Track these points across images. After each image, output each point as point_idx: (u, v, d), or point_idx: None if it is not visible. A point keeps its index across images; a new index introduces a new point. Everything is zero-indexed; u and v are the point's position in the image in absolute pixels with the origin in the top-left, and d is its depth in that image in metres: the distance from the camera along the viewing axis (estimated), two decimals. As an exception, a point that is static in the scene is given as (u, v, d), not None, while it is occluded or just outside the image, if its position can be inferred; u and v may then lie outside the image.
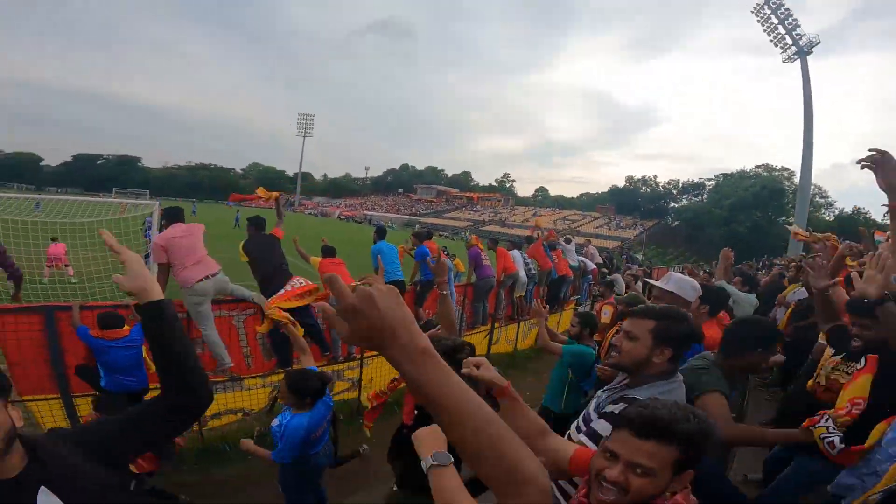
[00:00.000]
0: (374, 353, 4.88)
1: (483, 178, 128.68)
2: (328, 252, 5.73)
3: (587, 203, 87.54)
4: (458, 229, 60.53)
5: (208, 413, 4.05)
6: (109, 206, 11.85)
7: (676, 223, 66.96)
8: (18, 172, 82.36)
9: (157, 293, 1.11)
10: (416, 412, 2.26)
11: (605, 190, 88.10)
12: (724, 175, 64.68)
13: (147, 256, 10.54)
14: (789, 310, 4.77)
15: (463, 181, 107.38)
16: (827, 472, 2.02)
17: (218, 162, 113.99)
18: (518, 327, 8.04)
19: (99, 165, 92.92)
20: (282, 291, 4.55)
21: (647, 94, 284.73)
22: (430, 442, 1.09)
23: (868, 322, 1.98)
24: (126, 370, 3.54)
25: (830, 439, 1.83)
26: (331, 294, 0.72)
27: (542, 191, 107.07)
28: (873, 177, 2.04)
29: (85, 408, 3.36)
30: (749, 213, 50.86)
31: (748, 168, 62.12)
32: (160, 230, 4.58)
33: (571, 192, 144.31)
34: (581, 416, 1.75)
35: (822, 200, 56.88)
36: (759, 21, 42.77)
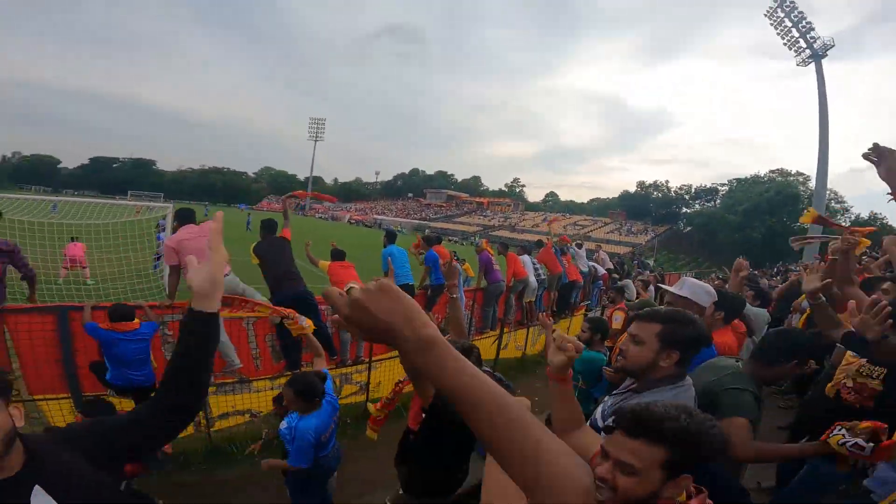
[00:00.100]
0: (382, 357, 4.86)
1: (493, 182, 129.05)
2: (338, 256, 5.75)
3: (598, 208, 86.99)
4: (468, 234, 60.52)
5: (216, 413, 4.07)
6: (124, 209, 12.02)
7: (688, 229, 66.20)
8: (37, 175, 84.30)
9: (216, 304, 1.08)
10: (422, 416, 2.23)
11: (616, 195, 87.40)
12: (738, 180, 63.85)
13: (158, 258, 10.73)
14: (804, 315, 4.67)
15: (473, 186, 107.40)
16: (840, 473, 1.97)
17: (231, 165, 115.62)
18: (527, 332, 7.98)
19: (115, 168, 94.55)
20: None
21: (659, 99, 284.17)
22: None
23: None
24: (133, 364, 3.56)
25: (853, 442, 1.78)
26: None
27: (552, 196, 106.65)
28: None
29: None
30: (763, 219, 50.02)
31: (762, 173, 61.34)
32: (173, 232, 4.62)
33: (582, 197, 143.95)
34: (587, 423, 1.72)
35: (838, 205, 55.73)
36: (772, 24, 42.13)
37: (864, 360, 2.27)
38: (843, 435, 1.80)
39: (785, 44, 41.92)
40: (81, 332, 3.48)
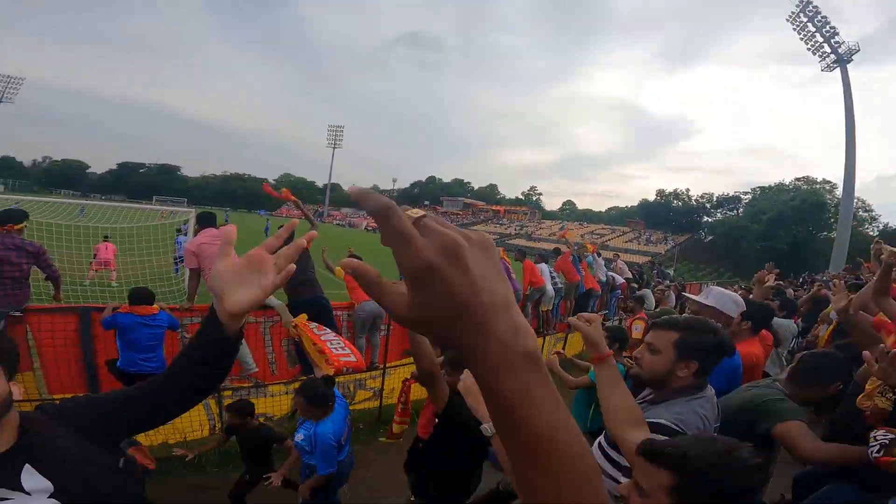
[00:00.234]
0: (396, 363, 4.80)
1: (510, 191, 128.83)
2: (354, 261, 5.77)
3: (616, 217, 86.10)
4: (484, 242, 60.24)
5: (231, 418, 4.08)
6: (149, 213, 12.32)
7: (710, 238, 64.93)
8: (67, 179, 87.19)
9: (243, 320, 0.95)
10: (435, 422, 2.19)
11: (635, 204, 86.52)
12: (762, 188, 62.56)
13: (178, 260, 10.94)
14: (831, 327, 4.56)
15: (489, 194, 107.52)
16: (861, 497, 1.94)
17: (251, 172, 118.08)
18: (543, 341, 7.86)
19: (142, 173, 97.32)
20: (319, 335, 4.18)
21: (680, 106, 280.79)
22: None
23: None
24: (147, 350, 3.60)
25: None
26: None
27: (569, 204, 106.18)
28: None
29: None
30: (788, 228, 48.78)
31: (787, 181, 60.01)
32: (195, 236, 4.71)
33: (600, 205, 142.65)
34: (603, 434, 1.66)
35: (866, 214, 54.05)
36: (795, 29, 41.29)
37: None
38: (874, 437, 1.71)
39: (808, 49, 41.11)
40: (103, 334, 3.54)
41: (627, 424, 1.34)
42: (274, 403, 4.34)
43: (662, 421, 1.41)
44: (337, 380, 4.92)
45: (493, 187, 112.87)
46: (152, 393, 1.04)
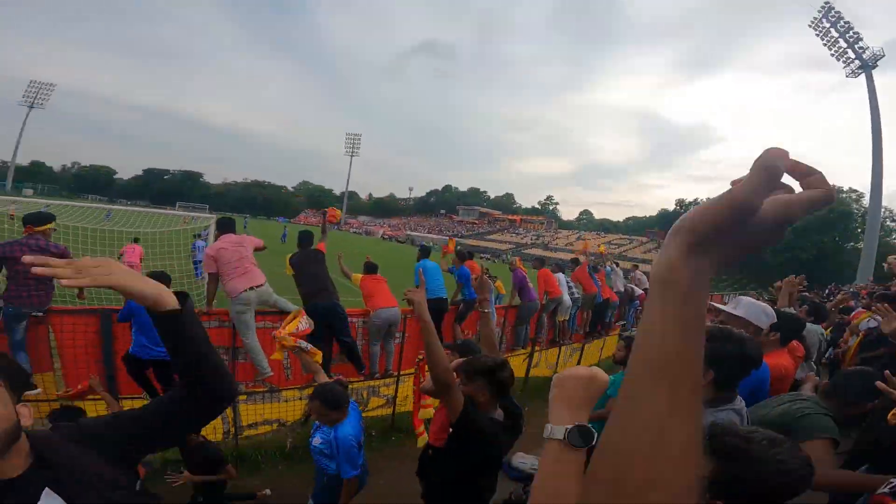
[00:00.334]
0: (410, 371, 4.77)
1: (526, 200, 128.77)
2: (370, 269, 5.76)
3: (634, 227, 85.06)
4: (500, 252, 60.19)
5: (244, 422, 4.10)
6: (172, 218, 12.61)
7: (731, 249, 63.54)
8: (95, 184, 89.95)
9: (165, 305, 1.00)
10: (448, 431, 2.14)
11: (654, 214, 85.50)
12: (786, 197, 61.08)
13: (197, 265, 11.12)
14: (858, 339, 4.43)
15: (505, 203, 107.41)
16: None
17: (271, 179, 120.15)
18: (559, 351, 7.75)
19: (166, 180, 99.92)
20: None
21: (700, 114, 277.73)
22: (578, 395, 0.87)
23: None
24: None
25: None
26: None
27: (586, 214, 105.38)
28: None
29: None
30: (814, 238, 47.45)
31: (812, 190, 58.51)
32: (215, 241, 4.78)
33: (617, 215, 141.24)
34: None
35: (894, 224, 52.35)
36: (817, 35, 40.37)
37: None
38: None
39: (832, 55, 40.03)
40: (123, 335, 3.59)
41: None
42: (287, 409, 4.34)
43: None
44: (351, 386, 4.93)
45: (509, 196, 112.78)
46: (165, 410, 1.04)
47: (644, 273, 12.49)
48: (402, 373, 5.11)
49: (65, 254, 4.20)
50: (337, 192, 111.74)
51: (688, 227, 0.44)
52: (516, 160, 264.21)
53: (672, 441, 0.41)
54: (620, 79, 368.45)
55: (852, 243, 47.33)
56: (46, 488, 0.86)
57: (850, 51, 38.66)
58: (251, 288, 4.25)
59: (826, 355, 4.98)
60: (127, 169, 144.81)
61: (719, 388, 1.49)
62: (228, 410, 3.99)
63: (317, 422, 2.67)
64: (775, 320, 2.43)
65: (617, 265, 10.96)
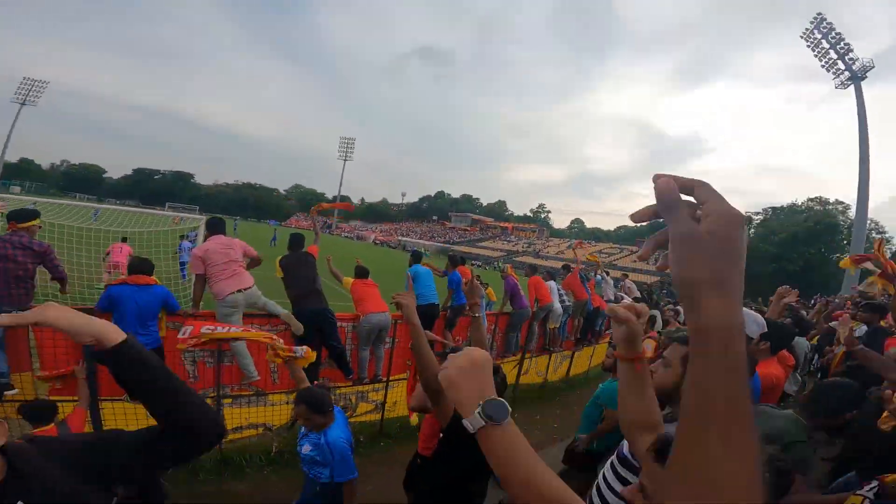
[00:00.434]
0: (400, 376, 4.75)
1: (518, 208, 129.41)
2: (361, 273, 5.71)
3: (625, 236, 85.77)
4: (491, 259, 60.31)
5: (229, 426, 4.02)
6: (160, 219, 12.45)
7: (720, 259, 64.26)
8: (84, 183, 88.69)
9: (108, 340, 0.95)
10: (438, 439, 2.11)
11: (644, 224, 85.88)
12: (774, 209, 61.97)
13: (183, 265, 10.99)
14: (843, 349, 4.47)
15: (498, 210, 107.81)
16: None
17: (264, 182, 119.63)
18: (549, 358, 7.76)
19: (156, 180, 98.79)
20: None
21: (692, 124, 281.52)
22: (471, 383, 0.83)
23: None
24: (137, 322, 3.57)
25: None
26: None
27: (577, 222, 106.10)
28: None
29: (108, 413, 3.34)
30: (801, 250, 48.11)
31: (799, 201, 59.34)
32: (204, 242, 4.72)
33: (608, 224, 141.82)
34: (615, 454, 1.60)
35: (879, 236, 53.26)
36: (809, 46, 40.40)
37: None
38: None
39: (823, 66, 40.08)
40: (104, 336, 3.50)
41: (647, 429, 1.27)
42: (274, 412, 4.27)
43: (671, 434, 1.35)
44: (339, 391, 4.88)
45: (501, 204, 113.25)
46: (145, 438, 1.01)
47: (633, 282, 12.57)
48: (391, 378, 5.07)
49: (47, 251, 4.12)
50: (329, 195, 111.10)
51: (708, 278, 0.48)
52: (510, 167, 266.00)
53: (730, 485, 0.44)
54: (617, 88, 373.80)
55: (838, 254, 48.02)
56: (19, 502, 0.84)
57: (840, 62, 38.78)
58: (239, 290, 4.19)
59: (813, 363, 5.03)
60: (117, 168, 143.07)
61: None
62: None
63: (303, 429, 2.61)
64: (765, 329, 2.44)
65: (607, 273, 11.02)
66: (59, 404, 2.86)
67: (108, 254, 9.43)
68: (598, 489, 1.55)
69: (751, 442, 0.45)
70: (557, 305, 7.79)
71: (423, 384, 1.94)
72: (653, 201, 0.55)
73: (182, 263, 11.38)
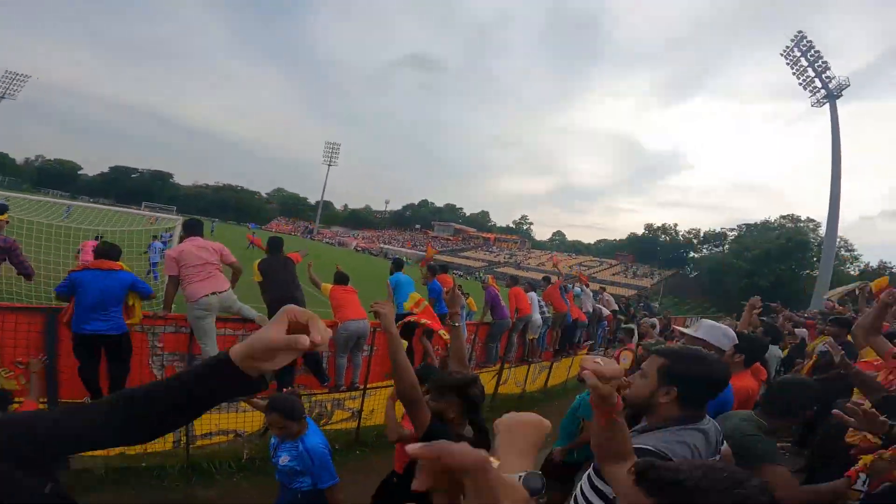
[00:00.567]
0: (377, 384, 4.71)
1: (501, 218, 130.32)
2: (341, 279, 5.63)
3: (605, 250, 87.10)
4: (473, 269, 60.44)
5: (198, 432, 3.90)
6: (135, 218, 12.10)
7: (695, 273, 65.83)
8: (58, 178, 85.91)
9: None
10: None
11: (624, 237, 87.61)
12: (748, 225, 63.85)
13: (153, 266, 10.71)
14: (810, 362, 4.60)
15: (481, 221, 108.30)
16: None
17: (245, 184, 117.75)
18: (528, 369, 7.78)
19: (134, 179, 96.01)
20: None
21: (672, 140, 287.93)
22: (521, 446, 0.82)
23: None
24: (97, 306, 3.45)
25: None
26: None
27: (559, 235, 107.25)
28: None
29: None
30: (772, 266, 49.47)
31: (773, 218, 61.28)
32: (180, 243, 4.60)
33: (589, 237, 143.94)
34: (592, 466, 1.59)
35: (848, 254, 55.10)
36: (788, 63, 40.54)
37: None
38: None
39: (800, 84, 40.23)
40: (67, 336, 3.38)
41: (620, 460, 1.25)
42: (245, 419, 4.16)
43: (647, 446, 1.38)
44: (314, 398, 4.79)
45: (484, 214, 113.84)
46: (88, 420, 0.89)
47: (611, 296, 12.73)
48: (368, 386, 4.99)
49: (13, 247, 3.97)
50: (312, 200, 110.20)
51: None
52: (494, 177, 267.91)
53: None
54: (601, 102, 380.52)
55: (808, 271, 49.57)
56: None
57: (817, 80, 38.83)
58: (214, 293, 4.08)
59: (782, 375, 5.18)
60: (94, 165, 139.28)
61: (683, 407, 1.49)
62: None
63: (275, 440, 2.54)
64: (736, 342, 2.49)
65: (587, 286, 11.14)
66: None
67: (79, 251, 9.12)
68: (576, 501, 1.54)
69: None
70: (537, 316, 7.82)
71: (398, 394, 1.90)
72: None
73: (153, 264, 11.09)
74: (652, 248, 76.45)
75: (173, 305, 4.20)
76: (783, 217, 60.16)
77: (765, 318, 6.97)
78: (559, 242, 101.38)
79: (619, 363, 3.83)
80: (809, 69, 39.23)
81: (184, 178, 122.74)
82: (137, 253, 9.83)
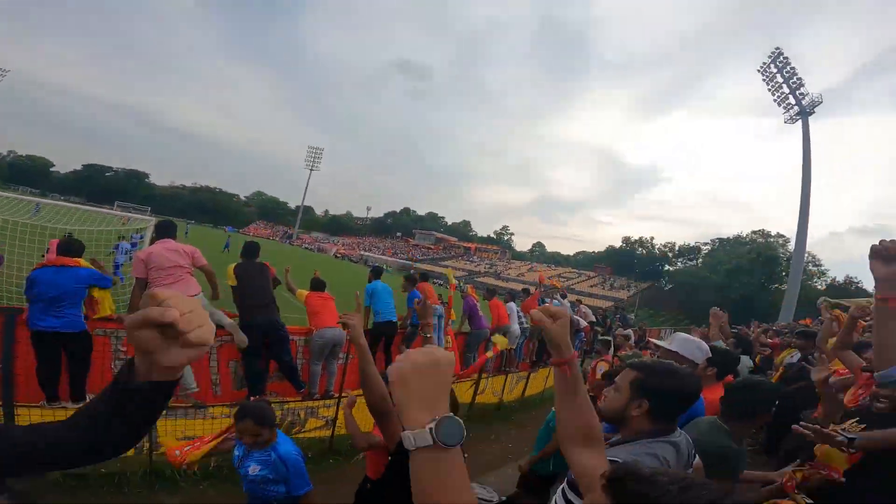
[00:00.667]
0: (352, 392, 4.62)
1: (483, 228, 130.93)
2: (318, 286, 5.53)
3: (583, 261, 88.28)
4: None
5: (161, 439, 3.75)
6: (106, 217, 11.72)
7: (670, 286, 67.21)
8: (29, 175, 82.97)
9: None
10: (386, 463, 2.02)
11: (603, 249, 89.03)
12: (721, 240, 65.62)
13: (117, 267, 10.35)
14: (778, 374, 4.71)
15: (462, 230, 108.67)
16: None
17: (223, 186, 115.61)
18: (505, 379, 7.75)
19: (108, 177, 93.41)
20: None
21: (651, 154, 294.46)
22: (425, 387, 0.74)
23: None
24: (53, 302, 3.35)
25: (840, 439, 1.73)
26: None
27: (538, 246, 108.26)
28: (867, 249, 1.82)
29: (24, 420, 3.04)
30: (742, 280, 50.81)
31: (745, 233, 63.05)
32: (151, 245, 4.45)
33: (568, 249, 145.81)
34: (566, 479, 1.57)
35: (816, 269, 56.98)
36: (764, 80, 40.97)
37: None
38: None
39: (775, 100, 40.61)
40: (25, 339, 3.23)
41: (580, 441, 1.26)
42: (214, 426, 4.00)
43: (617, 460, 1.36)
44: (287, 406, 4.67)
45: (466, 224, 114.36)
46: (48, 439, 0.84)
47: (588, 307, 12.88)
48: (342, 395, 4.89)
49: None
50: (292, 205, 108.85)
51: None
52: (477, 186, 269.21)
53: None
54: (583, 115, 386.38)
55: (777, 285, 51.06)
56: None
57: (791, 97, 39.22)
58: (184, 297, 3.96)
59: None
60: (66, 163, 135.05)
61: (654, 420, 1.50)
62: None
63: (242, 450, 2.44)
64: (710, 355, 2.51)
65: (564, 297, 11.24)
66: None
67: (47, 250, 8.79)
68: None
69: None
70: (515, 327, 7.85)
71: (369, 406, 1.86)
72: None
73: (117, 265, 10.74)
74: (629, 260, 77.86)
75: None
76: (755, 232, 62.10)
77: (736, 329, 7.18)
78: (539, 254, 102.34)
79: (596, 375, 3.88)
80: (784, 86, 39.67)
81: (160, 178, 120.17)
82: (105, 253, 9.49)
